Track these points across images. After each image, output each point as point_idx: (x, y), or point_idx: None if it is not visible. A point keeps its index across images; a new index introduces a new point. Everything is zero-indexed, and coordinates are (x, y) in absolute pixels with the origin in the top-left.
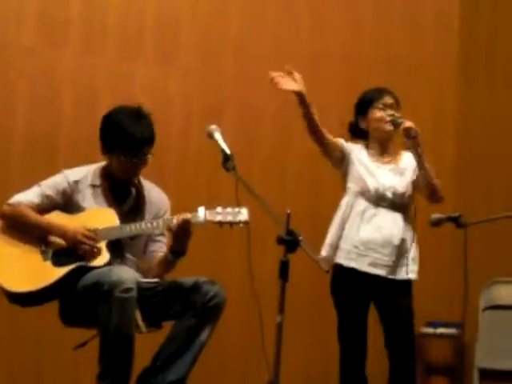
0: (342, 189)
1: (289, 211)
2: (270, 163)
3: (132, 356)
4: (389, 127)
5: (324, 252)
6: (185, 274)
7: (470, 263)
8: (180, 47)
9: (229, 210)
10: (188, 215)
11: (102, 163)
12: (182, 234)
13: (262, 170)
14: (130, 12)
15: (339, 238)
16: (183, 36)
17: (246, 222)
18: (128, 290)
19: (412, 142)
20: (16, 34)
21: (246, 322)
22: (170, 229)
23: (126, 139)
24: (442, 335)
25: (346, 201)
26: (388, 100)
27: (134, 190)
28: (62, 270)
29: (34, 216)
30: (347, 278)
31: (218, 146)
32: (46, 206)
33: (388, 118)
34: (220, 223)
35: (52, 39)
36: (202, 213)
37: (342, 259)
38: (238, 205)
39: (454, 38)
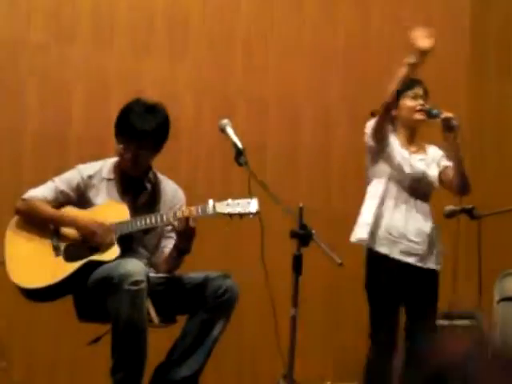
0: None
1: (301, 205)
2: (282, 157)
3: (145, 349)
4: (420, 116)
5: (363, 234)
6: (198, 267)
7: (484, 255)
8: (190, 42)
9: (238, 201)
10: (195, 208)
11: (116, 158)
12: (185, 230)
13: (274, 164)
14: (139, 8)
15: (375, 222)
16: (193, 31)
17: (256, 213)
18: (137, 282)
19: (451, 133)
20: (26, 30)
21: (260, 316)
22: (175, 223)
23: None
24: (456, 327)
25: (379, 185)
26: (419, 91)
27: (149, 186)
28: (74, 266)
29: (48, 208)
30: (379, 263)
31: (230, 140)
32: (60, 201)
33: (418, 107)
34: (230, 215)
35: (62, 36)
36: (211, 205)
37: (375, 245)
38: (251, 198)
39: (466, 34)
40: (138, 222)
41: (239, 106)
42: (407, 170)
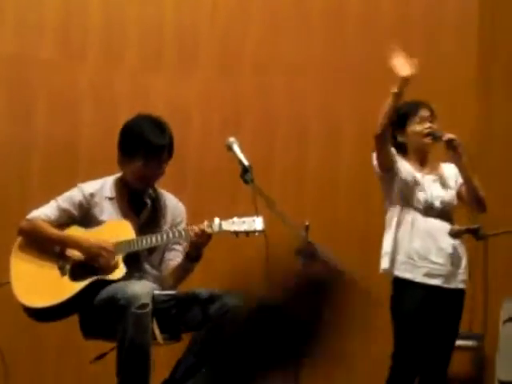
0: (387, 198)
1: (307, 223)
2: (289, 175)
3: (149, 369)
4: (428, 141)
5: (384, 264)
6: (203, 284)
7: (491, 275)
8: (199, 59)
9: (244, 219)
10: (204, 225)
11: (117, 175)
12: (199, 243)
13: (281, 182)
14: (149, 24)
15: (394, 249)
16: (202, 48)
17: (261, 231)
18: (143, 305)
19: (455, 153)
20: (36, 46)
21: None
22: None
23: (145, 145)
24: (462, 347)
25: (395, 211)
26: (424, 113)
27: (149, 201)
28: (80, 285)
29: (52, 230)
30: (404, 289)
31: (237, 158)
32: (64, 220)
33: (426, 131)
34: (235, 233)
35: (72, 52)
36: (217, 223)
37: (397, 271)
38: (257, 216)
39: (474, 42)
40: (144, 241)
41: (247, 122)
42: (420, 193)
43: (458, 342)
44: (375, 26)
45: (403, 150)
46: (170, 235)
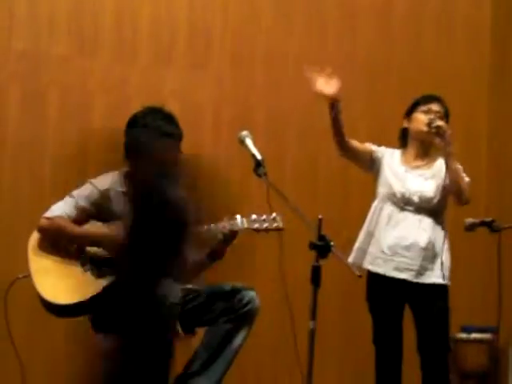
0: (373, 193)
1: (320, 216)
2: (301, 169)
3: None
4: (424, 128)
5: (351, 258)
6: (217, 279)
7: (505, 267)
8: (211, 54)
9: (264, 217)
10: (229, 223)
11: (123, 169)
12: (226, 241)
13: (293, 176)
14: (161, 20)
15: (368, 242)
16: (214, 43)
17: (281, 229)
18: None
19: (442, 140)
20: (48, 43)
21: (279, 328)
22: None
23: (165, 135)
24: (476, 340)
25: (374, 205)
26: (434, 107)
27: None
28: (104, 282)
29: (74, 228)
30: (377, 283)
31: (249, 151)
32: (82, 217)
33: (427, 120)
34: (257, 230)
35: (84, 48)
36: (239, 221)
37: (369, 264)
38: (271, 211)
39: (486, 46)
40: None
41: (259, 117)
42: (397, 188)
43: (473, 335)
44: (387, 21)
45: (405, 140)
46: (212, 230)
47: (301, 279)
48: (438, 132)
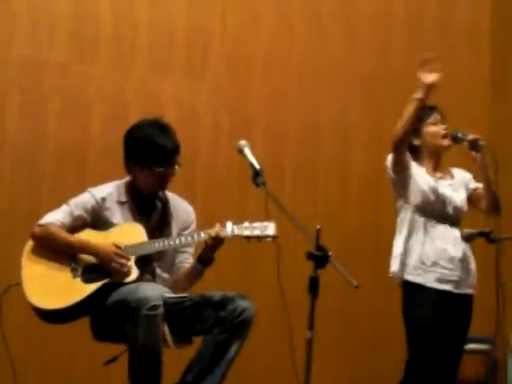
0: (395, 203)
1: (319, 226)
2: (300, 178)
3: (160, 372)
4: (446, 142)
5: (394, 267)
6: (214, 288)
7: (502, 278)
8: (209, 62)
9: (256, 224)
10: (216, 229)
11: (125, 179)
12: (213, 246)
13: (292, 185)
14: (159, 28)
15: (405, 253)
16: (212, 51)
17: (273, 237)
18: (155, 307)
19: (478, 153)
20: (48, 50)
21: (276, 338)
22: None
23: (158, 151)
24: (473, 351)
25: (407, 216)
26: (437, 116)
27: (159, 204)
28: (91, 287)
29: (65, 236)
30: (416, 294)
31: (248, 161)
32: (77, 225)
33: (443, 132)
34: (247, 237)
35: (83, 55)
36: (229, 227)
37: (409, 275)
38: (268, 220)
39: (486, 52)
40: (157, 244)
41: (258, 126)
42: (433, 197)
43: (470, 346)
44: (387, 29)
45: (417, 155)
46: (183, 239)
47: (299, 289)
48: (476, 145)
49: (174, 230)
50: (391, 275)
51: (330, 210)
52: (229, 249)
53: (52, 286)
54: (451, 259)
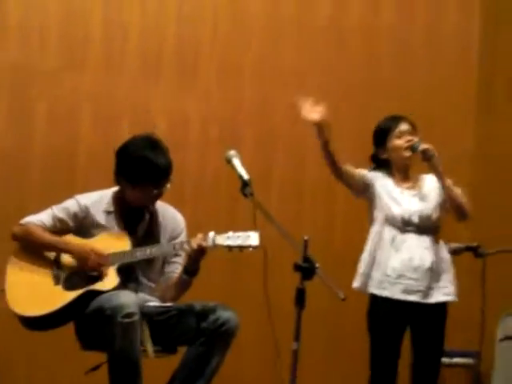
0: (369, 218)
1: (306, 238)
2: (288, 188)
3: (139, 379)
4: (407, 153)
5: (356, 283)
6: (201, 298)
7: (488, 292)
8: (199, 71)
9: (239, 234)
10: (197, 239)
11: (114, 189)
12: (195, 256)
13: (280, 195)
14: (150, 36)
15: (371, 267)
16: (202, 60)
17: (255, 247)
18: (130, 314)
19: (430, 163)
20: (38, 57)
21: (262, 349)
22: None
23: (153, 173)
24: (458, 365)
25: (374, 230)
26: (404, 126)
27: (147, 215)
28: (71, 295)
29: (44, 234)
30: (382, 307)
31: (236, 171)
32: (58, 229)
33: (405, 145)
34: (229, 247)
35: (73, 62)
36: (211, 237)
37: (374, 289)
38: (254, 231)
39: (474, 59)
40: (138, 253)
41: (247, 136)
42: (396, 210)
43: (455, 360)
44: (376, 40)
45: (387, 166)
46: (165, 248)
47: (286, 299)
48: (426, 155)
49: (163, 238)
50: (354, 289)
51: (317, 220)
52: (215, 259)
53: (33, 293)
54: (417, 269)
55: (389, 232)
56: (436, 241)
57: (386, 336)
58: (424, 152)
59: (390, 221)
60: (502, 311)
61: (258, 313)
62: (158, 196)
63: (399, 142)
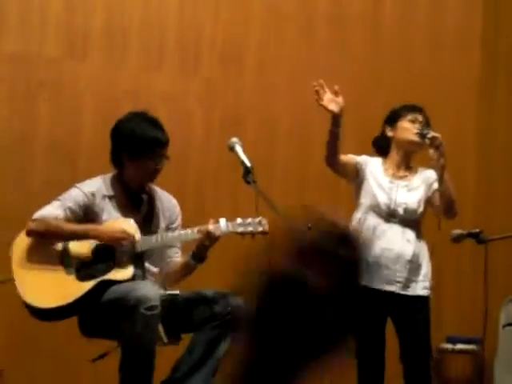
0: (355, 204)
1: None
2: (290, 175)
3: (152, 370)
4: (415, 138)
5: None
6: (203, 286)
7: (491, 279)
8: (201, 59)
9: (249, 220)
10: (210, 226)
11: (111, 173)
12: (206, 244)
13: (282, 182)
14: (151, 24)
15: None
16: (204, 48)
17: (266, 233)
18: (153, 307)
19: (436, 152)
20: (38, 45)
21: None
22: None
23: (152, 144)
24: (461, 351)
25: (357, 216)
26: (418, 116)
27: (145, 197)
28: (87, 285)
29: (69, 225)
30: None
31: (239, 158)
32: (69, 219)
33: (415, 130)
34: (242, 234)
35: (74, 50)
36: (223, 224)
37: None
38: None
39: (476, 54)
40: (154, 239)
41: (249, 123)
42: (381, 199)
43: (458, 346)
44: (378, 30)
45: (386, 149)
46: (182, 234)
47: None
48: (434, 143)
49: (162, 223)
50: None
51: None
52: (216, 245)
53: (47, 285)
54: (398, 260)
55: (372, 219)
56: (417, 234)
57: (366, 325)
58: (432, 139)
59: (374, 209)
60: (505, 297)
61: None
62: (157, 172)
63: (409, 126)
